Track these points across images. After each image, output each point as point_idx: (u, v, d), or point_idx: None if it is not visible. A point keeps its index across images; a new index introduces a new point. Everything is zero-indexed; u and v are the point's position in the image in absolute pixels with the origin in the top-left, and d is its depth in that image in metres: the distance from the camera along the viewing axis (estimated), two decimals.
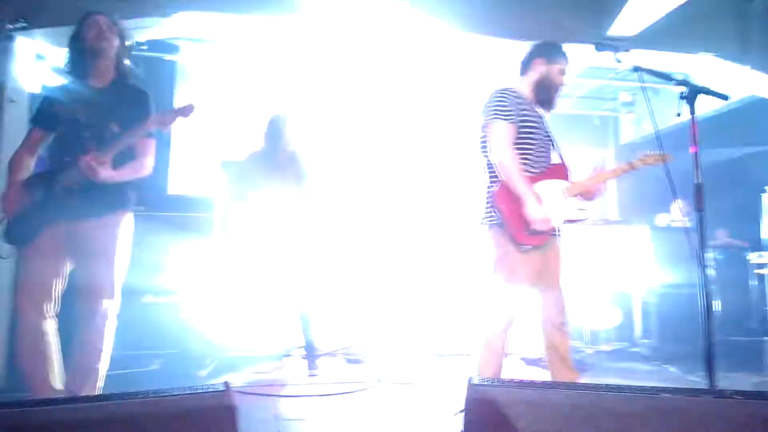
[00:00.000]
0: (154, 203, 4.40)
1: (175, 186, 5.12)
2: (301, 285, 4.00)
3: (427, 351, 4.72)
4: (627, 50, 2.44)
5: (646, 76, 2.36)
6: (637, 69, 2.37)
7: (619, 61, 2.41)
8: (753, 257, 5.80)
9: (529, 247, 2.54)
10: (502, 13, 4.58)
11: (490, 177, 2.69)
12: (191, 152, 5.38)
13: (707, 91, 2.17)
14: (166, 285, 4.11)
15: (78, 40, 2.43)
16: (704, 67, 5.18)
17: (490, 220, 2.66)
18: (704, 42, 4.97)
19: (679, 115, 2.18)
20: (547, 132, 2.78)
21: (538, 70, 2.75)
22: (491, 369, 2.57)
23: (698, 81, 2.26)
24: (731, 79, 5.30)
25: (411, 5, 4.21)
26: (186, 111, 2.36)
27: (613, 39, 2.52)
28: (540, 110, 2.79)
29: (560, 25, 4.64)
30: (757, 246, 6.05)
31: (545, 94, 2.75)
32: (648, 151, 2.71)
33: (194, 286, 4.13)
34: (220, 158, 4.90)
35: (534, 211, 2.49)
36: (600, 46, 2.51)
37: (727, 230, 6.28)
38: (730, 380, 3.77)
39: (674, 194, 2.32)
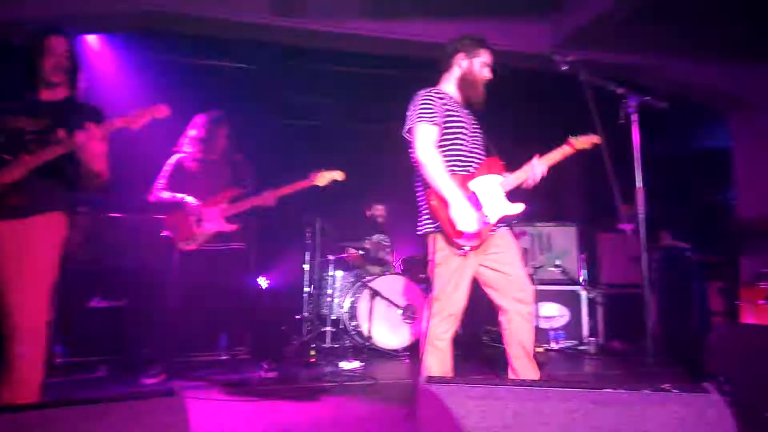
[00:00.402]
0: (106, 204, 4.27)
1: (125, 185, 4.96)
2: (252, 285, 3.95)
3: (384, 351, 4.75)
4: (577, 57, 2.50)
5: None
6: (586, 75, 2.44)
7: (564, 69, 2.46)
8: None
9: (467, 248, 2.50)
10: (456, 20, 4.66)
11: (424, 182, 2.61)
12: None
13: (647, 99, 2.27)
14: (113, 288, 3.99)
15: (35, 65, 2.39)
16: (645, 71, 5.42)
17: (428, 225, 2.62)
18: (651, 48, 5.19)
19: (621, 120, 2.27)
20: (475, 128, 2.75)
21: (460, 65, 2.72)
22: (438, 369, 2.55)
23: (640, 88, 2.34)
24: (671, 85, 5.56)
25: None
26: (159, 111, 2.35)
27: (563, 45, 2.55)
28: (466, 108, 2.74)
29: (513, 32, 4.78)
30: (699, 247, 6.36)
31: (470, 89, 2.70)
32: (577, 136, 2.72)
33: (144, 289, 4.02)
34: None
35: (458, 213, 2.43)
36: (551, 53, 2.56)
37: (669, 232, 6.56)
38: (670, 375, 3.95)
39: (619, 197, 2.41)
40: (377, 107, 6.61)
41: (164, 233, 3.74)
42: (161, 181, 3.81)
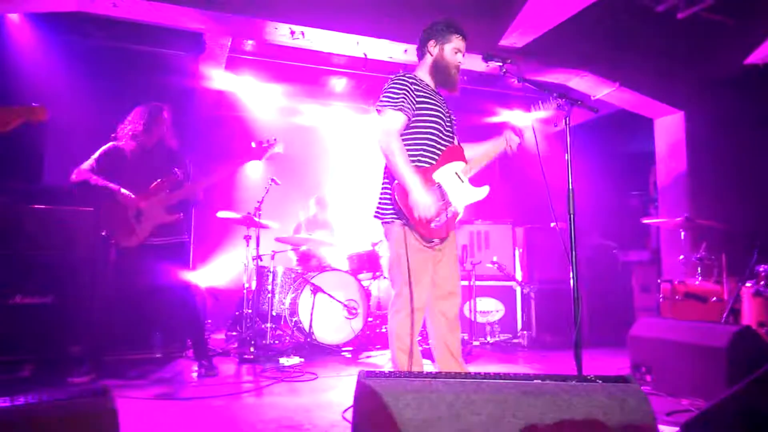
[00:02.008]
0: (26, 194, 4.04)
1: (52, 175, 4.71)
2: (192, 282, 3.85)
3: (325, 346, 4.76)
4: (513, 62, 2.58)
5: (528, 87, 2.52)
6: (521, 80, 2.53)
7: (504, 72, 2.53)
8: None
9: (437, 240, 2.50)
10: (395, 19, 4.70)
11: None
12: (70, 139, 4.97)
13: (581, 105, 2.38)
14: (38, 284, 3.79)
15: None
16: (579, 81, 5.67)
17: (393, 216, 2.58)
18: (580, 58, 5.43)
19: (556, 126, 2.37)
20: (449, 116, 2.73)
21: (431, 52, 2.71)
22: (407, 365, 2.52)
23: (573, 94, 2.46)
24: (602, 93, 5.84)
25: None
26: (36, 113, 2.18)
27: (501, 50, 2.62)
28: (440, 95, 2.75)
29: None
30: (625, 245, 6.71)
31: (442, 75, 2.69)
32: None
33: (73, 285, 3.84)
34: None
35: (416, 201, 2.42)
36: (488, 57, 2.63)
37: (598, 230, 6.89)
38: (597, 365, 4.17)
39: (549, 197, 2.51)
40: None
41: (102, 231, 3.57)
42: (90, 162, 3.59)
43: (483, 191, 2.66)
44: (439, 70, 2.70)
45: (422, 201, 2.43)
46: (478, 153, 2.81)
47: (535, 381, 1.51)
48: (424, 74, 2.74)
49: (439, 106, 2.67)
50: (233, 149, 6.57)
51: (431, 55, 2.71)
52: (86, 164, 3.59)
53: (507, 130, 2.76)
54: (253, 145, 3.74)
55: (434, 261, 2.63)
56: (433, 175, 2.55)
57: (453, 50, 2.69)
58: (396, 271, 2.59)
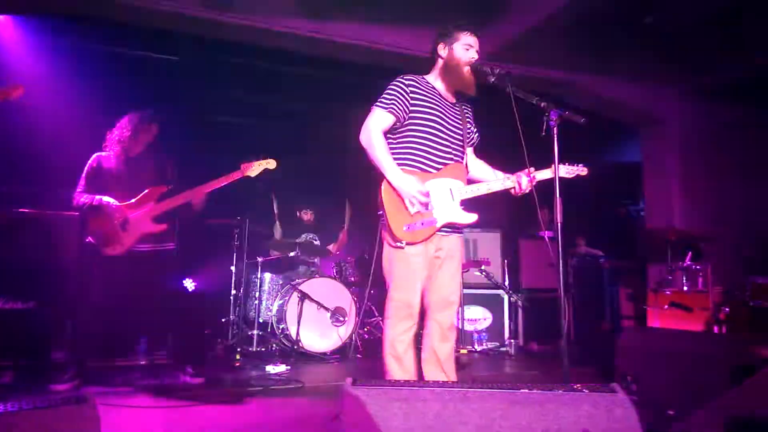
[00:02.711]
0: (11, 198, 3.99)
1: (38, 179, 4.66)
2: (177, 287, 3.82)
3: (312, 354, 4.73)
4: (501, 71, 2.57)
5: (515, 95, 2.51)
6: (508, 89, 2.52)
7: (492, 81, 2.53)
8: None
9: (403, 243, 2.46)
10: (385, 26, 4.73)
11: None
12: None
13: (567, 114, 2.38)
14: (21, 290, 3.73)
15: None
16: (564, 88, 5.73)
17: (379, 216, 2.58)
18: (566, 68, 5.49)
19: (543, 134, 2.37)
20: (457, 126, 2.66)
21: (441, 55, 2.65)
22: (399, 375, 2.48)
23: (559, 102, 2.46)
24: (588, 100, 5.90)
25: None
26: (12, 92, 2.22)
27: (487, 61, 2.61)
28: (456, 104, 2.69)
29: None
30: (612, 254, 6.76)
31: (453, 76, 2.62)
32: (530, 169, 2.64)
33: (57, 290, 3.79)
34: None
35: (403, 186, 2.42)
36: (477, 68, 2.59)
37: (584, 239, 6.94)
38: (584, 375, 4.18)
39: (538, 206, 2.52)
40: (308, 107, 6.59)
41: (87, 239, 3.54)
42: (82, 184, 3.60)
43: (469, 217, 2.62)
44: (450, 70, 2.63)
45: (401, 184, 2.44)
46: (485, 177, 2.78)
47: (522, 391, 1.51)
48: (435, 79, 2.70)
49: (439, 112, 2.61)
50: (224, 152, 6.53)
51: (441, 58, 2.67)
52: (78, 187, 3.60)
53: (522, 174, 2.65)
54: (246, 166, 3.71)
55: (433, 267, 2.60)
56: (426, 182, 2.53)
57: (463, 47, 2.62)
58: (385, 273, 2.59)
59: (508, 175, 2.72)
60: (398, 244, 2.48)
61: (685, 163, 5.98)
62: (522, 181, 2.64)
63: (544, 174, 2.65)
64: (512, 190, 2.70)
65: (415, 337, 2.61)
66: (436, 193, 2.55)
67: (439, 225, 2.55)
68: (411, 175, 2.50)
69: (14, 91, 2.45)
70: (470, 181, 2.73)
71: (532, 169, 2.62)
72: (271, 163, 3.72)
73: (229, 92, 6.06)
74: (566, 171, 2.75)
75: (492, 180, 2.74)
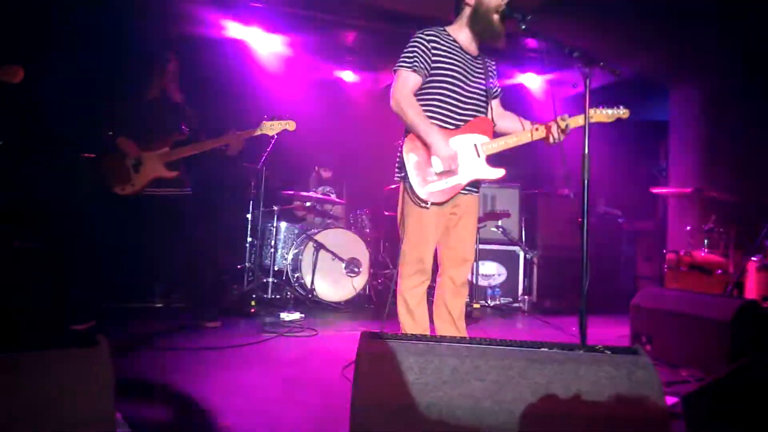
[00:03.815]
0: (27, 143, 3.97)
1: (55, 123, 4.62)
2: (193, 233, 3.81)
3: (326, 303, 4.77)
4: (532, 18, 2.44)
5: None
6: (541, 38, 2.40)
7: (523, 28, 2.40)
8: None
9: (427, 204, 2.44)
10: None
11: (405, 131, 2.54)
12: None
13: (603, 66, 2.26)
14: (38, 230, 3.76)
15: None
16: (597, 45, 5.49)
17: (398, 175, 2.56)
18: (598, 22, 5.24)
19: (574, 86, 2.26)
20: (479, 81, 2.58)
21: (469, 3, 2.52)
22: (411, 327, 2.50)
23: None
24: (620, 59, 5.67)
25: None
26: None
27: (517, 8, 2.45)
28: (478, 57, 2.60)
29: None
30: (631, 214, 6.66)
31: (481, 24, 2.49)
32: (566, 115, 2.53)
33: (73, 231, 3.81)
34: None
35: (440, 148, 2.37)
36: (507, 14, 2.48)
37: (604, 199, 6.83)
38: (597, 332, 4.16)
39: (565, 163, 2.43)
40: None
41: (99, 176, 3.54)
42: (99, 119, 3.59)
43: (497, 172, 2.54)
44: (478, 17, 2.49)
45: (440, 147, 2.38)
46: (514, 129, 2.66)
47: (541, 349, 1.47)
48: (459, 30, 2.58)
49: (461, 65, 2.52)
50: (240, 103, 6.44)
51: (469, 5, 2.53)
52: (91, 118, 3.58)
53: (554, 122, 2.51)
54: (265, 123, 3.65)
55: (449, 224, 2.58)
56: (450, 140, 2.48)
57: None
58: (400, 230, 2.58)
59: (537, 125, 2.59)
60: (423, 205, 2.44)
61: (713, 123, 5.77)
62: (553, 131, 2.52)
63: (578, 121, 2.50)
64: (545, 141, 2.57)
65: (428, 290, 2.61)
66: (460, 150, 2.48)
67: (464, 183, 2.50)
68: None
69: (13, 76, 2.23)
70: (498, 135, 2.63)
71: (566, 115, 2.51)
72: (290, 124, 3.67)
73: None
74: (605, 114, 2.61)
75: (520, 131, 2.62)
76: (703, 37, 5.44)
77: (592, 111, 2.50)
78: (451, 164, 2.41)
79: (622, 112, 2.65)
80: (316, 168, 5.98)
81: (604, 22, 5.24)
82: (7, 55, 2.22)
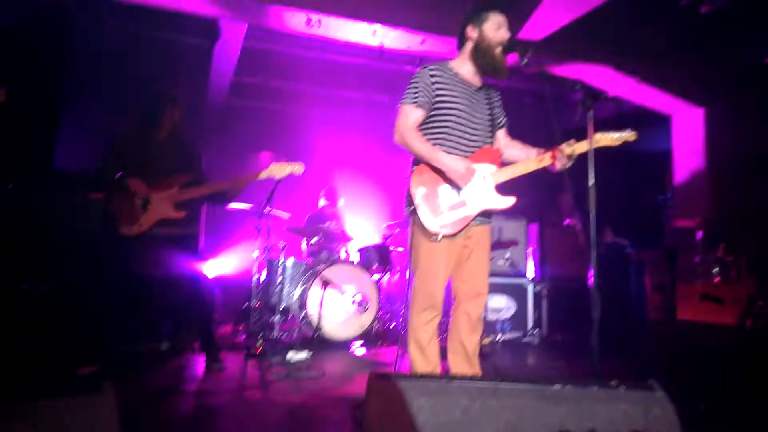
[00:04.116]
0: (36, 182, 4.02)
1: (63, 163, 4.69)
2: (199, 272, 3.81)
3: (334, 341, 4.71)
4: (534, 53, 2.48)
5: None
6: (543, 73, 2.44)
7: (525, 63, 2.43)
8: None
9: (438, 237, 2.41)
10: (413, 8, 4.63)
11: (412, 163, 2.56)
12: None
13: (604, 98, 2.29)
14: (46, 273, 3.76)
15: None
16: (598, 76, 5.57)
17: (407, 208, 2.55)
18: (599, 53, 5.33)
19: (577, 119, 2.28)
20: (483, 112, 2.61)
21: (471, 37, 2.56)
22: (422, 364, 2.46)
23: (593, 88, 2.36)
24: (621, 89, 5.73)
25: None
26: None
27: (520, 42, 2.49)
28: (481, 89, 2.63)
29: None
30: (638, 244, 6.60)
31: (485, 58, 2.53)
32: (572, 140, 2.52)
33: (81, 274, 3.81)
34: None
35: (451, 164, 2.38)
36: (507, 48, 2.53)
37: (611, 228, 6.78)
38: (613, 367, 4.07)
39: (569, 194, 2.43)
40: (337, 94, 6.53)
41: (107, 216, 3.55)
42: (103, 155, 3.60)
43: (507, 201, 2.53)
44: (481, 52, 2.53)
45: (452, 166, 2.39)
46: (521, 158, 2.67)
47: (554, 386, 1.44)
48: (462, 64, 2.61)
49: (464, 98, 2.55)
50: (249, 140, 6.51)
51: (471, 40, 2.57)
52: (100, 159, 3.59)
53: (560, 149, 2.50)
54: (273, 166, 3.68)
55: (462, 257, 2.56)
56: None
57: (494, 26, 2.53)
58: (411, 265, 2.55)
59: (540, 151, 2.59)
60: (434, 238, 2.43)
61: (717, 150, 5.77)
62: (560, 157, 2.50)
63: (584, 146, 2.45)
64: (552, 167, 2.55)
65: (439, 326, 2.57)
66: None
67: (474, 213, 2.49)
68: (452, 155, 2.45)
69: None
70: (505, 164, 2.64)
71: (572, 140, 2.50)
72: (298, 167, 3.69)
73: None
74: (611, 138, 2.59)
75: (527, 159, 2.60)
76: (703, 65, 5.52)
77: (598, 135, 2.50)
78: (468, 177, 2.40)
79: (629, 135, 2.63)
80: (322, 201, 6.01)
81: (605, 55, 5.33)
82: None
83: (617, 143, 2.62)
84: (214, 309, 3.96)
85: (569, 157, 2.50)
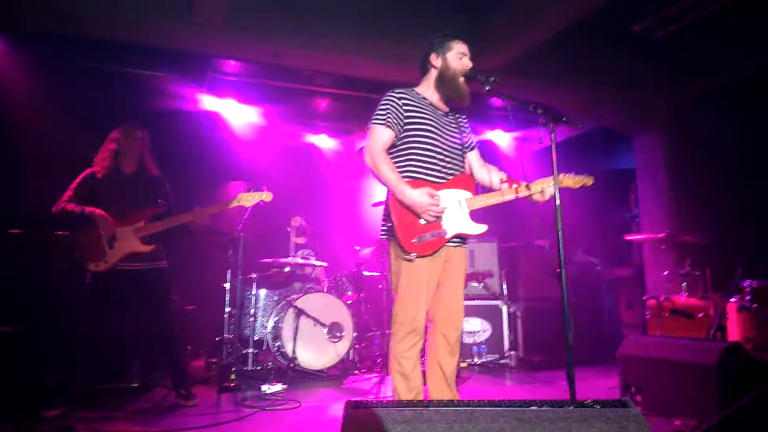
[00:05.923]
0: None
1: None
2: (170, 306, 3.74)
3: (309, 372, 4.63)
4: (495, 80, 2.54)
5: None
6: (505, 97, 2.50)
7: (487, 89, 2.50)
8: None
9: (413, 256, 2.41)
10: (375, 38, 4.71)
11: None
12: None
13: (565, 121, 2.35)
14: (12, 312, 3.63)
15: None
16: (558, 101, 5.74)
17: (384, 227, 2.56)
18: (559, 78, 5.49)
19: (541, 141, 2.34)
20: (453, 135, 2.65)
21: (435, 65, 2.63)
22: (406, 393, 2.44)
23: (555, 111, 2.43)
24: (581, 111, 5.91)
25: None
26: None
27: (481, 70, 2.56)
28: (449, 113, 2.69)
29: None
30: (609, 262, 6.72)
31: (448, 85, 2.59)
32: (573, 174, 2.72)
33: (46, 311, 3.69)
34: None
35: (414, 197, 2.38)
36: (470, 76, 2.58)
37: (581, 248, 6.90)
38: (586, 385, 4.10)
39: (537, 215, 2.48)
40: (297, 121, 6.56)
41: (74, 253, 3.47)
42: (69, 193, 3.56)
43: (479, 228, 2.57)
44: (445, 80, 2.60)
45: (413, 199, 2.39)
46: (486, 180, 2.75)
47: (531, 408, 1.44)
48: (426, 90, 2.67)
49: (433, 121, 2.59)
50: (216, 173, 6.47)
51: (435, 68, 2.64)
52: (65, 196, 3.55)
53: (538, 182, 2.62)
54: (242, 195, 3.68)
55: (441, 279, 2.57)
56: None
57: (457, 56, 2.61)
58: (392, 289, 2.55)
59: (510, 178, 2.69)
60: (407, 257, 2.44)
61: (678, 169, 5.96)
62: (546, 190, 2.61)
63: (550, 184, 2.59)
64: (533, 197, 2.64)
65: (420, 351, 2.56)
66: (445, 203, 2.50)
67: (449, 236, 2.50)
68: (422, 186, 2.45)
69: None
70: (478, 187, 2.70)
71: (540, 181, 2.62)
72: (267, 195, 3.70)
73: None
74: (572, 180, 2.75)
75: (505, 189, 2.67)
76: (654, 87, 5.73)
77: (561, 176, 2.67)
78: (429, 209, 2.40)
79: (587, 180, 2.79)
80: (292, 231, 5.96)
81: (564, 80, 5.50)
82: None
83: (576, 185, 2.77)
84: (183, 345, 3.87)
85: (542, 193, 2.62)
